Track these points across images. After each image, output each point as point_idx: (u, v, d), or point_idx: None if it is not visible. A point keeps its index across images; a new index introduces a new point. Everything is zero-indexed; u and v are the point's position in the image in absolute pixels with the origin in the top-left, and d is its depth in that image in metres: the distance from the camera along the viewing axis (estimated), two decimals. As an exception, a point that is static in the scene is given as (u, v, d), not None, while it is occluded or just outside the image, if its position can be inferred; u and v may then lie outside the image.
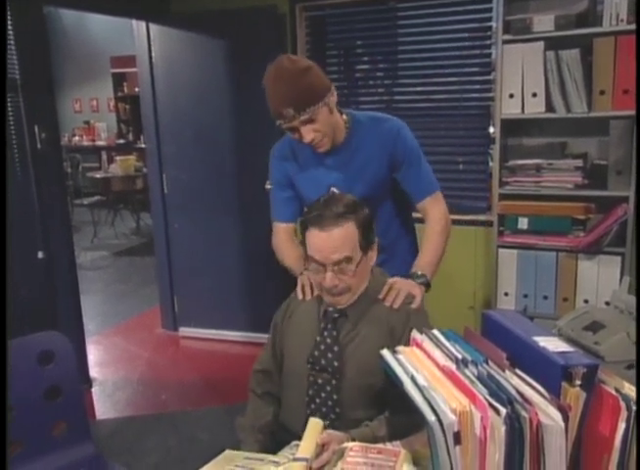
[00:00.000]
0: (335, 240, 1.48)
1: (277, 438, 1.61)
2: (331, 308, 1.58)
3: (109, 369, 3.77)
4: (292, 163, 1.95)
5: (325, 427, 1.32)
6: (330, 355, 1.55)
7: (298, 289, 1.70)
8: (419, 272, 1.76)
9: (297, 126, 1.73)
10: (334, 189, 1.86)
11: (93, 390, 3.48)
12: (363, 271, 1.56)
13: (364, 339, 1.55)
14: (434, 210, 1.91)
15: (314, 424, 1.26)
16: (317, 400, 1.56)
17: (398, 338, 1.50)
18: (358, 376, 1.52)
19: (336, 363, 1.54)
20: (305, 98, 1.68)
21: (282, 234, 1.97)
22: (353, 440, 1.32)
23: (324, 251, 1.49)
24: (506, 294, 3.13)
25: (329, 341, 1.56)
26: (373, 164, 1.87)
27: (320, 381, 1.55)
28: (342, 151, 1.88)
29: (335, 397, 1.54)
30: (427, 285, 1.75)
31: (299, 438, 1.28)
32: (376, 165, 1.88)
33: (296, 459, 1.17)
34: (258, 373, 1.72)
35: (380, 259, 1.72)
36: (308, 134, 1.74)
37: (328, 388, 1.54)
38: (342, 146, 1.88)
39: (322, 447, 1.23)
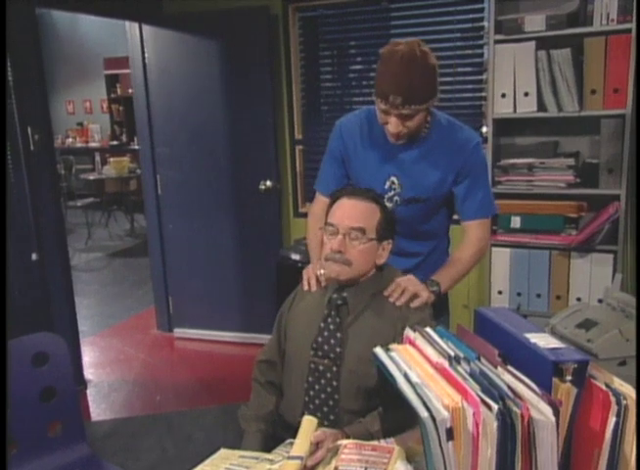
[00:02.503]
0: (358, 209, 1.59)
1: (275, 432, 1.63)
2: (335, 295, 1.61)
3: (104, 370, 3.76)
4: (356, 141, 1.91)
5: (320, 424, 1.32)
6: (333, 342, 1.58)
7: (304, 281, 1.72)
8: (436, 280, 1.75)
9: (391, 114, 1.70)
10: (394, 179, 1.86)
11: (88, 391, 3.48)
12: (369, 256, 1.60)
13: (366, 328, 1.57)
14: (477, 231, 1.87)
15: (308, 422, 1.27)
16: (316, 387, 1.58)
17: (399, 332, 1.52)
18: (358, 364, 1.54)
19: (338, 349, 1.56)
20: (418, 95, 1.66)
21: (321, 205, 1.93)
22: (348, 437, 1.33)
23: (344, 215, 1.58)
24: (499, 292, 3.15)
25: (332, 327, 1.59)
26: (438, 171, 1.84)
27: (321, 367, 1.58)
28: (414, 148, 1.84)
29: (334, 383, 1.56)
30: (437, 294, 1.72)
31: (294, 434, 1.29)
32: (440, 174, 1.84)
33: (290, 458, 1.18)
34: (262, 363, 1.74)
35: (411, 264, 1.79)
36: (397, 126, 1.72)
37: (328, 374, 1.57)
38: (416, 143, 1.83)
39: (316, 445, 1.24)
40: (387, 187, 1.88)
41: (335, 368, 1.56)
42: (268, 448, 1.46)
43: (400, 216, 1.80)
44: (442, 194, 1.88)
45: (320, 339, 1.59)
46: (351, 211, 1.59)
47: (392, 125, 1.72)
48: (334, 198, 1.66)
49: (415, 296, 1.62)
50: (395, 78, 1.64)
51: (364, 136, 1.90)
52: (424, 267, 1.92)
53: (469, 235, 1.88)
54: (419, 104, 1.67)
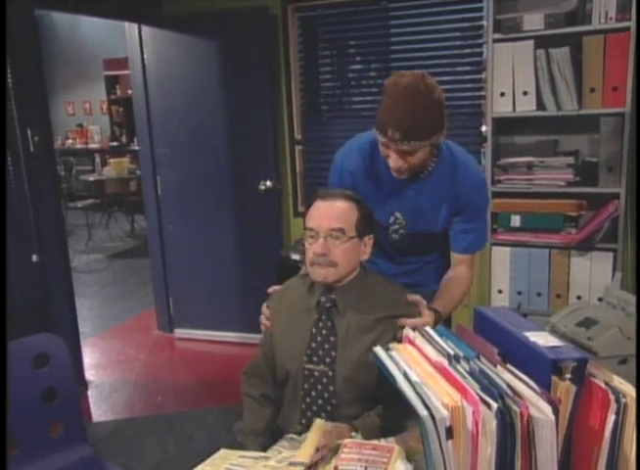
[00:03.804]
0: (334, 210, 1.58)
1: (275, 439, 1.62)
2: (323, 298, 1.60)
3: (105, 371, 3.77)
4: (356, 176, 1.82)
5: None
6: (327, 346, 1.57)
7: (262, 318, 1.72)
8: (439, 310, 1.67)
9: (391, 149, 1.61)
10: (398, 214, 1.83)
11: (89, 392, 3.48)
12: (353, 253, 1.60)
13: (357, 329, 1.56)
14: (466, 267, 1.85)
15: (318, 426, 1.26)
16: (313, 394, 1.57)
17: (390, 329, 1.54)
18: (354, 368, 1.53)
19: (333, 353, 1.56)
20: (418, 131, 1.56)
21: None
22: (357, 430, 1.33)
23: (321, 217, 1.58)
24: (500, 291, 3.15)
25: (324, 331, 1.58)
26: (442, 209, 1.80)
27: (317, 373, 1.57)
28: (419, 184, 1.77)
29: (331, 388, 1.55)
30: (437, 320, 1.63)
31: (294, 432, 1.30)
32: (445, 212, 1.80)
33: (292, 464, 1.17)
34: (253, 377, 1.72)
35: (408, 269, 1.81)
36: (397, 162, 1.63)
37: (324, 380, 1.56)
38: (421, 179, 1.76)
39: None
40: (391, 221, 1.84)
41: (330, 373, 1.55)
42: None
43: (405, 245, 1.82)
44: (443, 229, 1.85)
45: (314, 344, 1.58)
46: (329, 213, 1.58)
47: (393, 160, 1.64)
48: (309, 202, 1.65)
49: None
50: (395, 112, 1.55)
51: (367, 170, 1.81)
52: (423, 271, 1.92)
53: (459, 269, 1.85)
54: (420, 140, 1.57)
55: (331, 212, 1.58)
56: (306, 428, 1.47)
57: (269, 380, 1.69)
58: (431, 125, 1.58)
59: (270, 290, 1.76)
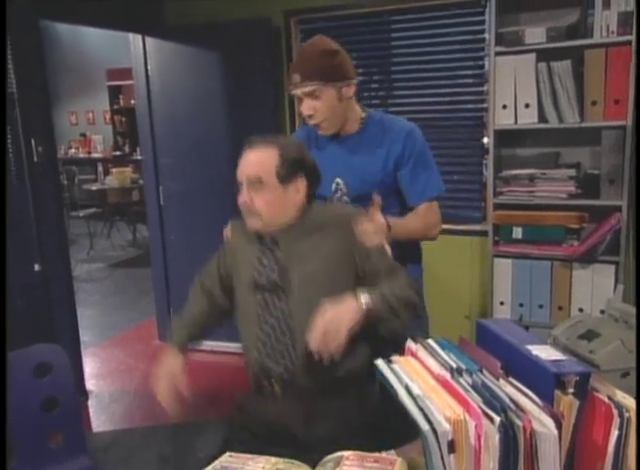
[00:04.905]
0: (251, 159, 1.59)
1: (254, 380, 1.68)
2: (267, 237, 1.63)
3: (105, 381, 3.76)
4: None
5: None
6: (271, 273, 1.60)
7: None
8: (389, 223, 1.74)
9: (300, 96, 1.83)
10: (338, 180, 1.91)
11: (89, 402, 3.47)
12: (277, 200, 1.58)
13: (302, 253, 1.58)
14: (427, 217, 1.91)
15: None
16: (267, 316, 1.60)
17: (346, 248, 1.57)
18: (301, 285, 1.56)
19: (275, 279, 1.59)
20: (314, 72, 1.78)
21: None
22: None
23: (243, 167, 1.59)
24: (502, 303, 3.14)
25: (265, 261, 1.62)
26: (377, 162, 1.90)
27: (267, 296, 1.60)
28: (350, 140, 1.93)
29: (284, 309, 1.58)
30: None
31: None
32: (380, 164, 1.90)
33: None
34: (205, 277, 1.80)
35: None
36: (307, 108, 1.83)
37: (277, 302, 1.59)
38: (351, 136, 1.93)
39: None
40: (333, 189, 1.93)
41: (282, 293, 1.58)
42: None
43: None
44: (386, 186, 1.89)
45: (256, 273, 1.61)
46: (248, 162, 1.59)
47: (304, 107, 1.84)
48: None
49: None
50: (296, 61, 1.86)
51: (310, 139, 1.99)
52: None
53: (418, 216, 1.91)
54: (318, 81, 1.78)
55: (249, 162, 1.59)
56: (265, 356, 1.59)
57: (217, 285, 1.76)
58: (326, 68, 1.79)
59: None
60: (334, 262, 1.57)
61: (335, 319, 1.42)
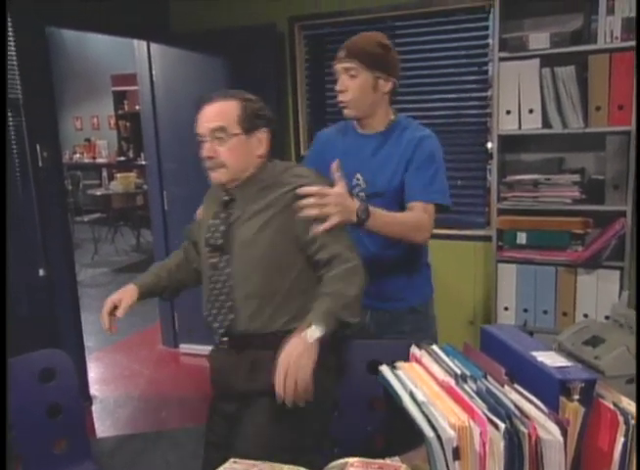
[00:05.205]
0: (213, 110, 1.62)
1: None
2: (223, 193, 1.68)
3: (109, 386, 3.76)
4: (330, 142, 2.06)
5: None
6: (217, 235, 1.66)
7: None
8: (370, 210, 1.63)
9: (339, 71, 1.89)
10: (359, 175, 1.94)
11: (94, 407, 3.47)
12: (241, 151, 1.62)
13: (249, 217, 1.63)
14: (419, 214, 1.81)
15: None
16: (214, 278, 1.67)
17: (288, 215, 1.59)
18: (242, 249, 1.62)
19: (220, 241, 1.64)
20: (359, 53, 1.85)
21: None
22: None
23: (203, 119, 1.62)
24: (506, 308, 3.14)
25: (217, 222, 1.67)
26: (391, 164, 1.92)
27: (214, 259, 1.66)
28: (374, 139, 1.97)
29: (227, 270, 1.64)
30: (359, 222, 1.61)
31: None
32: (394, 166, 1.91)
33: None
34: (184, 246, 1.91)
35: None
36: (341, 83, 1.89)
37: (221, 264, 1.65)
38: (376, 134, 1.97)
39: None
40: (353, 183, 1.94)
41: (225, 256, 1.64)
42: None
43: None
44: (396, 187, 1.90)
45: (208, 234, 1.68)
46: (208, 114, 1.62)
47: (339, 82, 1.89)
48: None
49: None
50: (351, 39, 1.91)
51: (337, 135, 2.06)
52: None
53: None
54: (359, 62, 1.84)
55: (210, 113, 1.62)
56: (210, 314, 1.72)
57: (192, 247, 1.86)
58: (371, 55, 1.87)
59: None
60: (274, 229, 1.61)
61: (292, 371, 1.42)
